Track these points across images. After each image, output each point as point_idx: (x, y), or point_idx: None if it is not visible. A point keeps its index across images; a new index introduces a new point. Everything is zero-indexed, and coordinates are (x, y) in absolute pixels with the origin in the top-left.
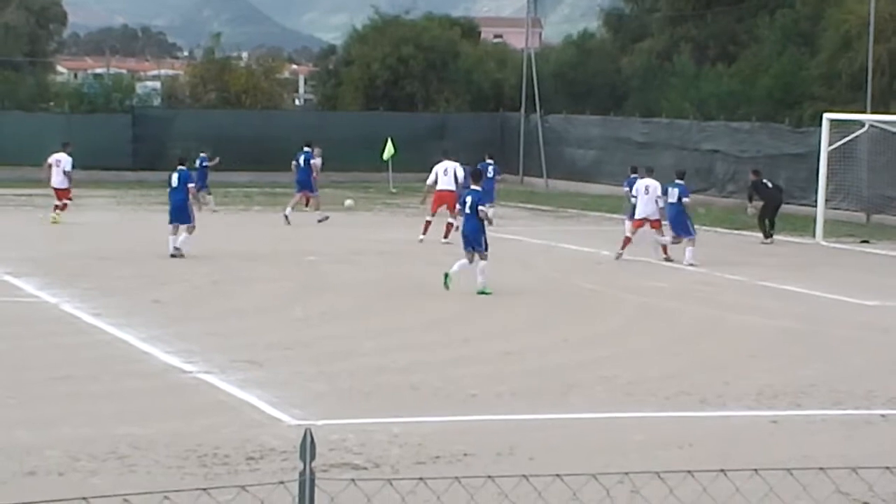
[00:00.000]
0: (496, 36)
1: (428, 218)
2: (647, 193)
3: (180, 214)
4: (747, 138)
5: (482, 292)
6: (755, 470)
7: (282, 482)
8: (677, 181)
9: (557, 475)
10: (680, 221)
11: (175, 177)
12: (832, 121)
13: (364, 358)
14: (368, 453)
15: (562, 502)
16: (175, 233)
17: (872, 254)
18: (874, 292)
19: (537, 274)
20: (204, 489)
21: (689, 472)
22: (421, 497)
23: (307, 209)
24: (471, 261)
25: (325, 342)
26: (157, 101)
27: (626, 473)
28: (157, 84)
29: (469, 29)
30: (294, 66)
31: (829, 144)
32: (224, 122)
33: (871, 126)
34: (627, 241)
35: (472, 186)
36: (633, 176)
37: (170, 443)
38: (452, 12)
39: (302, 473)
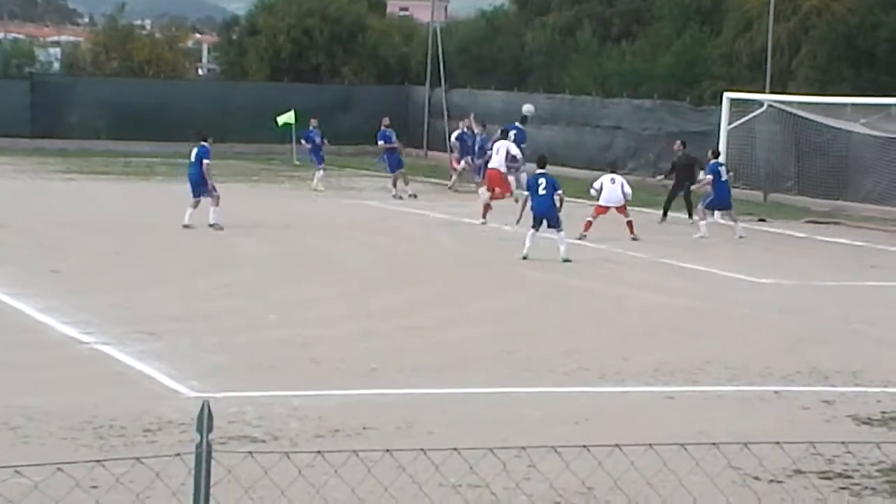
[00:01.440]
0: (402, 9)
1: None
2: (612, 183)
3: (197, 188)
4: (649, 115)
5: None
6: (649, 445)
7: (178, 454)
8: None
9: (455, 449)
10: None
11: (193, 152)
12: (732, 100)
13: (266, 331)
14: (267, 426)
15: (459, 476)
16: (195, 206)
17: (769, 232)
18: (770, 270)
19: (442, 249)
20: (98, 461)
21: (584, 446)
22: (319, 470)
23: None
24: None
25: (227, 315)
26: (56, 68)
27: (523, 448)
28: (58, 51)
29: (375, 2)
30: (198, 36)
31: (729, 123)
32: (126, 91)
33: (770, 106)
34: (589, 224)
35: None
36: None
37: (65, 414)
38: None
39: (199, 446)
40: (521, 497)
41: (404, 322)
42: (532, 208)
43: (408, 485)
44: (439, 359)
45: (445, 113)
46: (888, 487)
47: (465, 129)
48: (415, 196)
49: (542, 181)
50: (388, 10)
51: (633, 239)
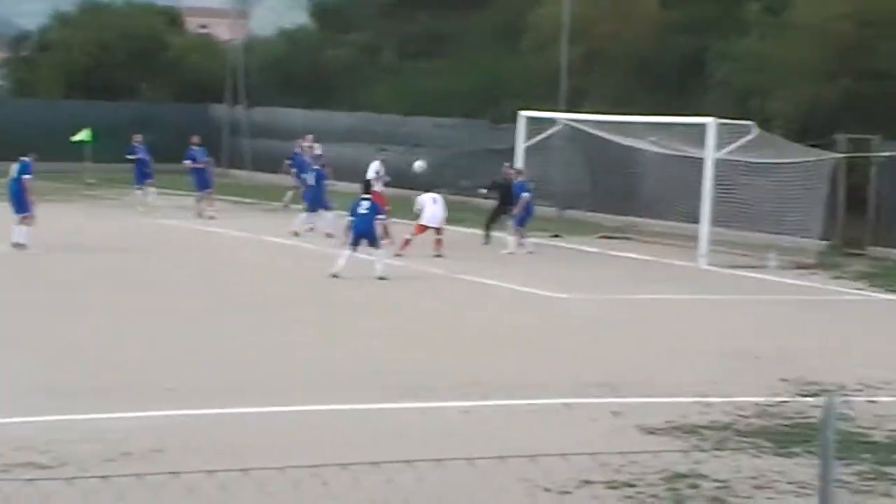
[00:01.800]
0: (201, 26)
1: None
2: (434, 203)
3: (21, 205)
4: (449, 133)
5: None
6: (437, 460)
7: None
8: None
9: (244, 470)
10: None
11: (15, 167)
12: (528, 118)
13: (55, 352)
14: (56, 451)
15: (250, 498)
16: (21, 223)
17: (563, 248)
18: (564, 285)
19: (243, 266)
20: None
21: (375, 463)
22: (104, 496)
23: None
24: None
25: (14, 337)
26: None
27: (314, 466)
28: None
29: (174, 18)
30: None
31: (525, 141)
32: None
33: (565, 124)
34: (406, 242)
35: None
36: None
37: None
38: (158, 1)
39: None
40: None
41: (202, 343)
42: (352, 228)
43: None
44: (238, 379)
45: (246, 131)
46: (670, 495)
47: (299, 150)
48: (213, 217)
49: (366, 202)
50: (187, 26)
51: (437, 256)
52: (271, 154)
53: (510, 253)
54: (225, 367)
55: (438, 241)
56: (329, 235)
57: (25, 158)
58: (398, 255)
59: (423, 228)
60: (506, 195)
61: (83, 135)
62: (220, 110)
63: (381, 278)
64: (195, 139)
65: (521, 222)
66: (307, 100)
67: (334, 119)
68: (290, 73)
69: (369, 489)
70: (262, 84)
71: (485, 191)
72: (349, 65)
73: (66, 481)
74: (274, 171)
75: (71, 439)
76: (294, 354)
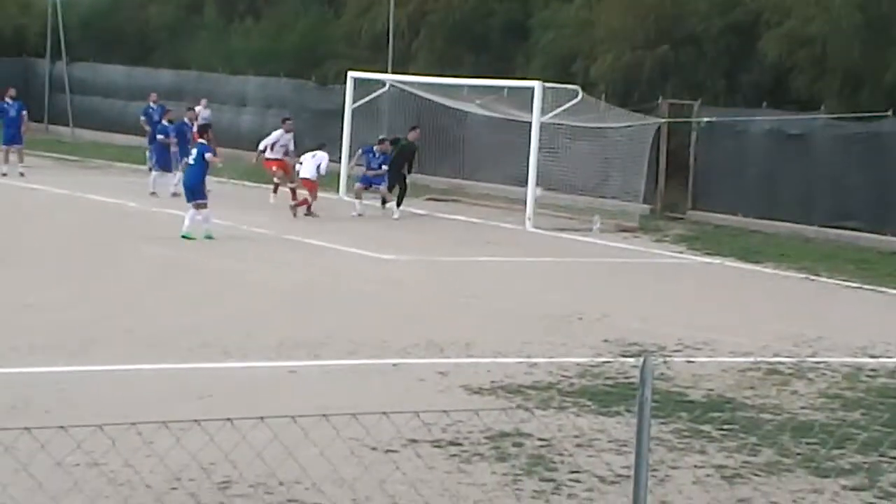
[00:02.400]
0: None
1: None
2: (313, 158)
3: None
4: (274, 93)
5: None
6: (261, 418)
7: None
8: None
9: (62, 427)
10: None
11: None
12: (356, 79)
13: None
14: None
15: (70, 455)
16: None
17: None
18: (390, 247)
19: (62, 225)
20: None
21: (196, 421)
22: None
23: None
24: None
25: None
26: None
27: (133, 424)
28: None
29: None
30: None
31: (353, 102)
32: None
33: (392, 86)
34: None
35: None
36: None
37: None
38: None
39: None
40: (137, 476)
41: (17, 300)
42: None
43: (11, 466)
44: (57, 338)
45: (67, 87)
46: (494, 453)
47: (186, 120)
48: (22, 174)
49: (194, 151)
50: None
51: (295, 214)
52: (94, 110)
53: (359, 214)
54: (42, 326)
55: (305, 202)
56: (175, 195)
57: None
58: (309, 214)
59: (306, 183)
60: (402, 160)
61: None
62: (39, 65)
63: (207, 237)
64: (11, 92)
65: (370, 183)
66: (130, 57)
67: (158, 76)
68: (112, 28)
69: (191, 448)
70: (83, 39)
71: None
72: (172, 22)
73: None
74: (97, 129)
75: None
76: (111, 316)
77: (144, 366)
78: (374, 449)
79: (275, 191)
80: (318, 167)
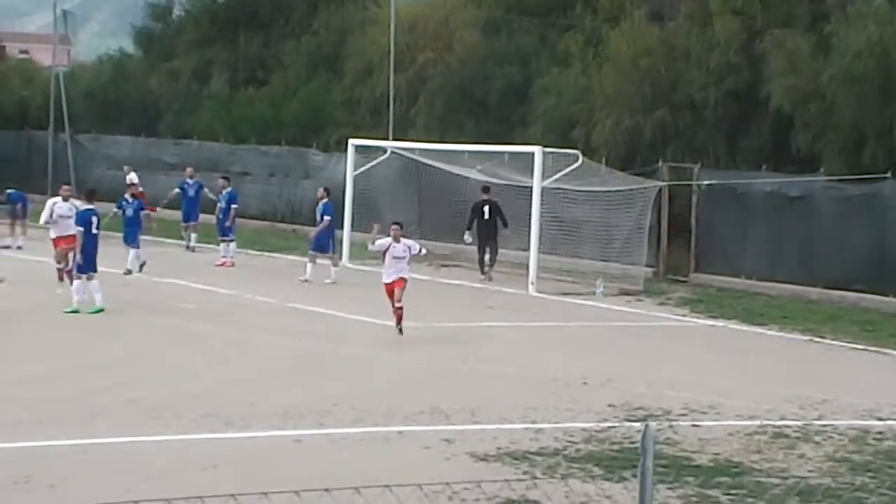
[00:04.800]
0: (22, 52)
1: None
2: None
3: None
4: (276, 162)
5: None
6: (264, 493)
7: None
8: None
9: None
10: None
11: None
12: (357, 146)
13: None
14: None
15: None
16: None
17: None
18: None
19: (52, 296)
20: None
21: (199, 497)
22: None
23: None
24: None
25: None
26: None
27: (136, 502)
28: None
29: None
30: None
31: (355, 169)
32: None
33: (393, 152)
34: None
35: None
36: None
37: None
38: None
39: None
40: None
41: (13, 374)
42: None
43: None
44: (59, 409)
45: (70, 158)
46: None
47: (188, 181)
48: (20, 247)
49: (94, 218)
50: (8, 51)
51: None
52: (98, 182)
53: (306, 280)
54: (42, 399)
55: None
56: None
57: None
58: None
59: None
60: (479, 225)
61: None
62: (42, 137)
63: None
64: (189, 171)
65: (323, 247)
66: (133, 127)
67: (161, 146)
68: (115, 99)
69: None
70: (86, 111)
71: (468, 235)
72: (174, 92)
73: None
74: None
75: None
76: (111, 386)
77: (148, 438)
78: None
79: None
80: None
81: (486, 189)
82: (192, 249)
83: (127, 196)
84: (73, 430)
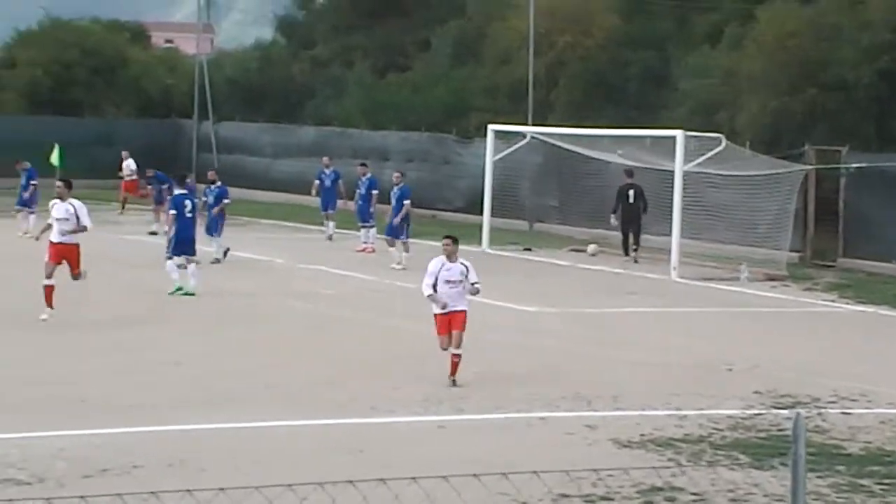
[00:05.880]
0: (167, 41)
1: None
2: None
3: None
4: (416, 148)
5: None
6: (413, 478)
7: None
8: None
9: (221, 489)
10: None
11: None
12: (496, 132)
13: (21, 369)
14: (32, 468)
15: None
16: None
17: (534, 261)
18: (534, 298)
19: (207, 282)
20: None
21: (350, 481)
22: None
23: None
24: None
25: None
26: None
27: (289, 486)
28: None
29: (138, 33)
30: None
31: (494, 155)
32: None
33: (533, 137)
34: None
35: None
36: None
37: None
38: (121, 16)
39: None
40: None
41: (165, 357)
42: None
43: None
44: (206, 393)
45: (214, 145)
46: None
47: (325, 170)
48: (330, 238)
49: (188, 202)
50: (153, 41)
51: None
52: (240, 168)
53: (400, 266)
54: (190, 382)
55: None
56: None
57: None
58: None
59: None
60: (625, 208)
61: (54, 158)
62: (186, 125)
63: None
64: (325, 160)
65: (397, 232)
66: (274, 114)
67: (301, 133)
68: (258, 87)
69: None
70: (229, 98)
71: (614, 219)
72: (315, 79)
73: (46, 501)
74: (242, 186)
75: (45, 455)
76: (257, 371)
77: (292, 422)
78: None
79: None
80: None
81: (629, 173)
82: (331, 238)
83: (211, 185)
84: (220, 413)
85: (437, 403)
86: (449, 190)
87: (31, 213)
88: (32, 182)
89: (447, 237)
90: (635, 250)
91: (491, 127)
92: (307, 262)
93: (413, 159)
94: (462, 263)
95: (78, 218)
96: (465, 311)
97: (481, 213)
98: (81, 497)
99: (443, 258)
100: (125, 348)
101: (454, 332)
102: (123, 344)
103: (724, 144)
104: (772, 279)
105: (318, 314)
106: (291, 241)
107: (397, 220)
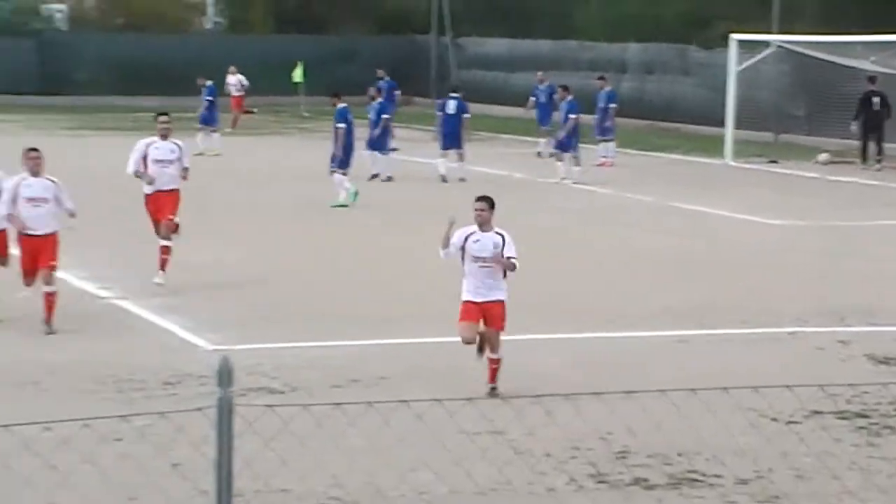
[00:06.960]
0: None
1: None
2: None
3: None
4: (655, 59)
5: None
6: (661, 390)
7: (199, 408)
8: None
9: (469, 399)
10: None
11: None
12: (739, 41)
13: (280, 283)
14: (284, 377)
15: (475, 425)
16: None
17: (780, 173)
18: (781, 211)
19: (450, 197)
20: (122, 416)
21: (596, 393)
22: (337, 421)
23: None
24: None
25: (240, 268)
26: (63, 25)
27: (537, 396)
28: (63, 6)
29: None
30: None
31: (738, 65)
32: (132, 46)
33: (778, 46)
34: None
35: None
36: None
37: (86, 369)
38: None
39: (220, 399)
40: (538, 444)
41: (415, 268)
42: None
43: (425, 434)
44: (453, 307)
45: (453, 61)
46: None
47: (539, 86)
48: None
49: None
50: None
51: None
52: (477, 83)
53: (564, 180)
54: (432, 294)
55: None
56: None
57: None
58: None
59: None
60: (869, 114)
61: (297, 75)
62: (424, 41)
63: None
64: (380, 72)
65: (565, 146)
66: (511, 29)
67: (538, 47)
68: (494, 2)
69: (592, 418)
70: (466, 14)
71: (854, 126)
72: None
73: (302, 408)
74: (480, 101)
75: (295, 365)
76: None
77: (535, 335)
78: (775, 420)
79: None
80: None
81: (871, 79)
82: (539, 154)
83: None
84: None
85: (676, 318)
86: (689, 101)
87: (214, 130)
88: (208, 98)
89: (480, 199)
90: (879, 160)
91: (733, 36)
92: (546, 176)
93: (653, 71)
94: (497, 233)
95: (181, 160)
96: (503, 303)
97: (722, 124)
98: (336, 404)
99: (472, 229)
100: (378, 262)
101: (490, 332)
102: (375, 258)
103: None
104: None
105: (560, 229)
106: (528, 155)
107: (562, 134)
